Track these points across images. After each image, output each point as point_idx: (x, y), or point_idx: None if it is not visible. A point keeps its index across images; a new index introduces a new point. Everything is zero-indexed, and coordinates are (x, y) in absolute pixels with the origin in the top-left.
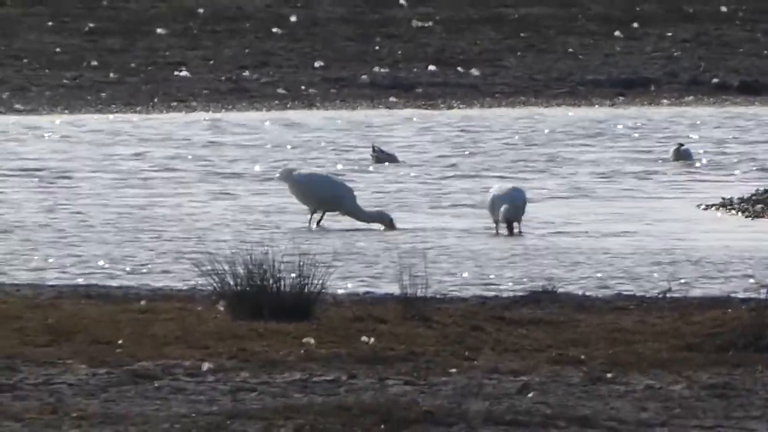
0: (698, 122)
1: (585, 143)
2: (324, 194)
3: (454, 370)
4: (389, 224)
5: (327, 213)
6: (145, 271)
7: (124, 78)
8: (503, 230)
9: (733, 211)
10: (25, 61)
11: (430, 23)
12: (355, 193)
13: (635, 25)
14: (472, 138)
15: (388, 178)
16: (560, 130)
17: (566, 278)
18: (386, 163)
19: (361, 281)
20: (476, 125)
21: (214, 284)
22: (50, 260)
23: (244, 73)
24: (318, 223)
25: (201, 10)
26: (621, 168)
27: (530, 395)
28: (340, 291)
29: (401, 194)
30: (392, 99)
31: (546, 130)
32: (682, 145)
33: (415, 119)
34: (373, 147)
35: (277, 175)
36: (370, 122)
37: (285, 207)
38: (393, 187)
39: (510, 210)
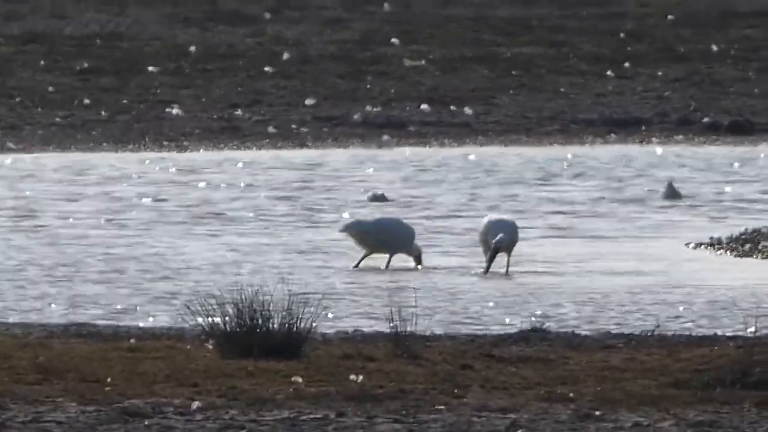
0: (688, 161)
1: (572, 182)
2: (398, 239)
3: (443, 407)
4: (417, 258)
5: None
6: (134, 310)
7: (115, 116)
8: (486, 261)
9: (722, 251)
10: (17, 99)
11: (423, 62)
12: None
13: (626, 64)
14: (462, 176)
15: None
16: (550, 167)
17: (555, 316)
18: (378, 202)
19: (351, 319)
20: (469, 163)
21: (204, 323)
22: (42, 300)
23: (236, 112)
24: (358, 263)
25: (193, 48)
26: (610, 206)
27: None
28: (329, 329)
29: None
30: (384, 137)
31: (537, 167)
32: (672, 183)
33: (407, 155)
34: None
35: (341, 228)
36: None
37: (272, 246)
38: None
39: (504, 239)
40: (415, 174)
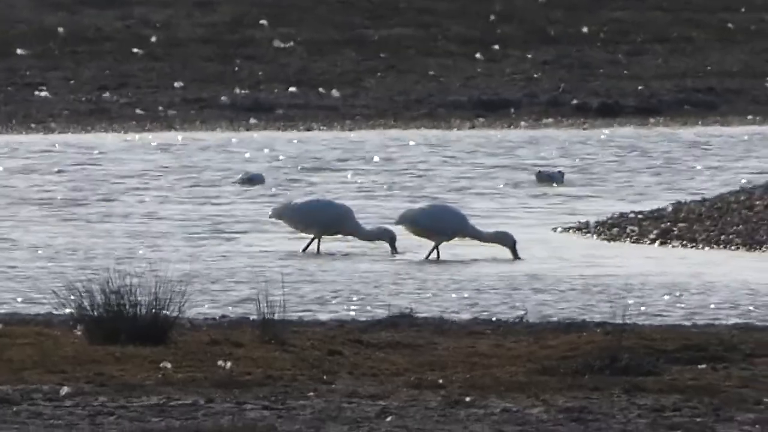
0: (557, 144)
1: (443, 166)
2: (326, 218)
3: (312, 394)
4: (391, 243)
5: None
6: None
7: None
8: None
9: (589, 234)
10: None
11: (291, 44)
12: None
13: (496, 46)
14: (334, 158)
15: (253, 198)
16: (419, 151)
17: (423, 301)
18: (255, 185)
19: (219, 305)
20: (339, 146)
21: (72, 309)
22: None
23: (104, 94)
24: (315, 248)
25: (61, 31)
26: (479, 191)
27: (389, 419)
28: (197, 315)
29: (263, 216)
30: (252, 121)
31: (410, 151)
32: (542, 168)
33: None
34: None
35: (270, 213)
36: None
37: (140, 231)
38: (252, 209)
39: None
40: (287, 157)
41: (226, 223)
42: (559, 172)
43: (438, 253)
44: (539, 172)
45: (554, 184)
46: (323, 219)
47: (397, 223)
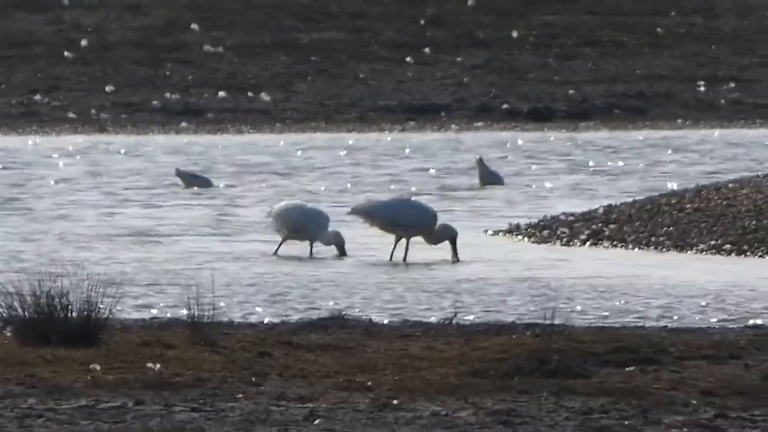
0: (487, 147)
1: (377, 170)
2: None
3: (241, 396)
4: (341, 248)
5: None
6: None
7: None
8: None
9: (520, 237)
10: None
11: (221, 48)
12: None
13: (427, 51)
14: (271, 161)
15: (198, 201)
16: (352, 154)
17: (353, 304)
18: (195, 188)
19: (150, 307)
20: (271, 149)
21: (1, 310)
22: None
23: (35, 98)
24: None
25: None
26: (414, 193)
27: (317, 422)
28: (128, 316)
29: (205, 218)
30: (183, 124)
31: (342, 153)
32: (482, 159)
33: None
34: (177, 170)
35: (349, 210)
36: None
37: (71, 233)
38: (198, 211)
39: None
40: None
41: (160, 225)
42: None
43: (406, 250)
44: (484, 172)
45: (484, 187)
46: (410, 220)
47: (350, 213)
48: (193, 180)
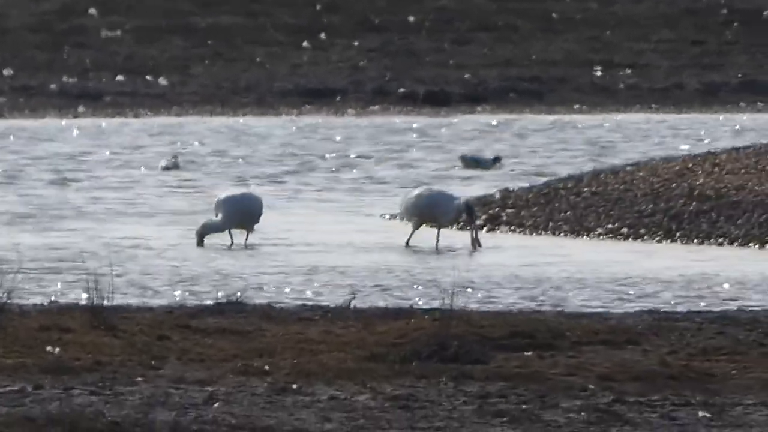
0: (376, 132)
1: (272, 157)
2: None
3: (140, 379)
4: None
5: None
6: None
7: None
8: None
9: None
10: None
11: (119, 32)
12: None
13: (322, 35)
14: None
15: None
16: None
17: (252, 287)
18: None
19: (49, 291)
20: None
21: None
22: None
23: None
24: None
25: None
26: (304, 179)
27: (216, 405)
28: (26, 301)
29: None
30: (81, 108)
31: (245, 138)
32: (468, 153)
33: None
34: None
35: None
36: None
37: None
38: (85, 196)
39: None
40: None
41: (59, 210)
42: (495, 157)
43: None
44: (464, 156)
45: (484, 167)
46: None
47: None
48: None
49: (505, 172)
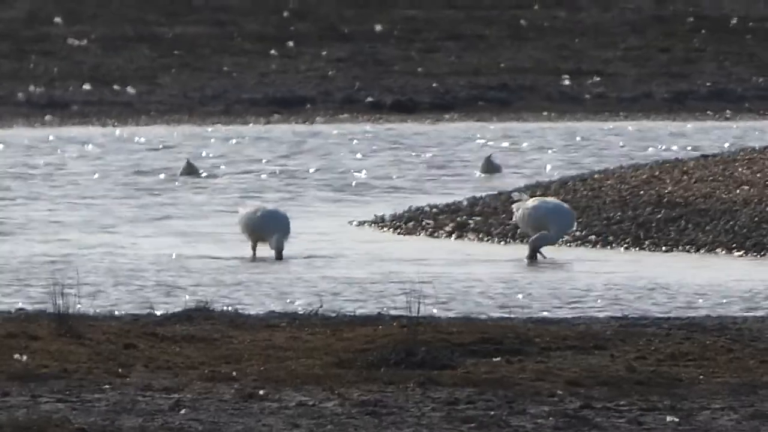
0: (354, 140)
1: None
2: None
3: (107, 386)
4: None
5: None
6: None
7: None
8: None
9: (385, 228)
10: None
11: (85, 41)
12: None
13: (290, 43)
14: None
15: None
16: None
17: (219, 295)
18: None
19: (15, 298)
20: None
21: None
22: None
23: None
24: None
25: None
26: (272, 186)
27: (183, 412)
28: None
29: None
30: (47, 118)
31: (209, 149)
32: (491, 156)
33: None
34: None
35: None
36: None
37: None
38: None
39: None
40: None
41: (22, 218)
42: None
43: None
44: (487, 160)
45: (501, 174)
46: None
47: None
48: None
49: (472, 179)
